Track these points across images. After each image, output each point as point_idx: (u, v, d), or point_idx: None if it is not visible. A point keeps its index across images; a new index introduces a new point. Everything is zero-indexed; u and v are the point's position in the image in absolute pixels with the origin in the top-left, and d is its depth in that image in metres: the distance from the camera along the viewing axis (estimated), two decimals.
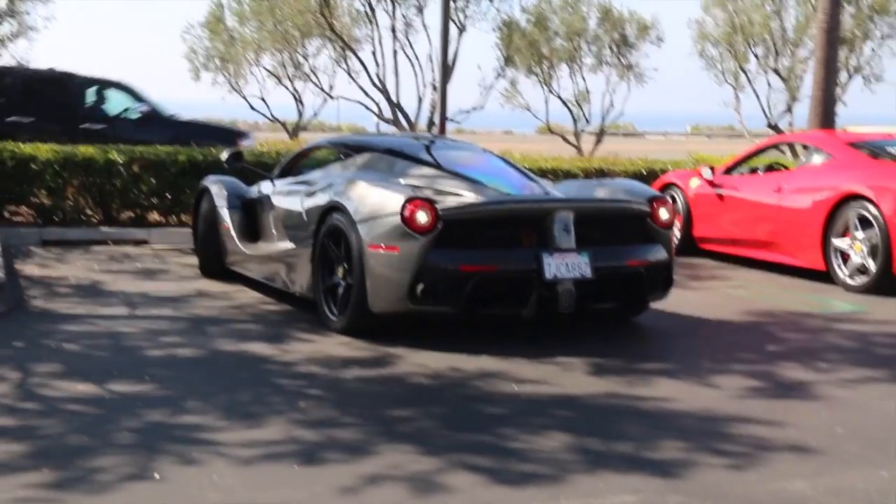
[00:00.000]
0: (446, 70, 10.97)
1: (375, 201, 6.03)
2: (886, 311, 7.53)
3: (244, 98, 30.34)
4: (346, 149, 7.65)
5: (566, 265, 5.94)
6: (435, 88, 24.51)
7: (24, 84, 13.87)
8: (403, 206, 5.82)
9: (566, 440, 4.24)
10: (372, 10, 25.91)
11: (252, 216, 8.02)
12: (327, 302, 6.38)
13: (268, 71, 29.86)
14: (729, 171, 10.42)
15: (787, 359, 5.89)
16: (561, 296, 5.91)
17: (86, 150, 10.55)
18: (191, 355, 5.68)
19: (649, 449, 4.14)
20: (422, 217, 5.80)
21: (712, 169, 10.38)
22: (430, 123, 25.44)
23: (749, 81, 28.20)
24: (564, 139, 29.18)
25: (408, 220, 5.80)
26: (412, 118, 26.08)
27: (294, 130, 30.67)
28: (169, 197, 10.73)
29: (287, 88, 30.05)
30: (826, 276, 8.71)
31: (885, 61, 27.55)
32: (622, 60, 29.29)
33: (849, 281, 8.49)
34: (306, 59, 29.17)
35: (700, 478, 3.83)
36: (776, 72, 27.43)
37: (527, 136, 46.82)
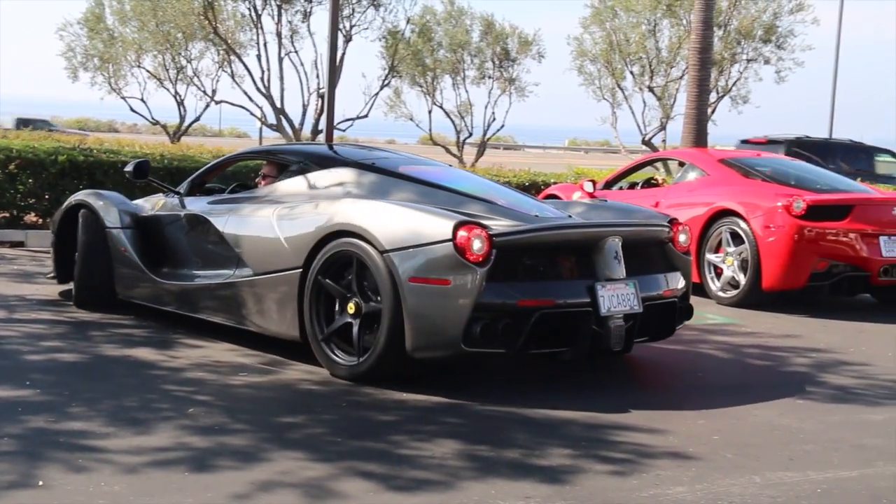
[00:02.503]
0: (334, 76, 10.97)
1: (412, 226, 5.19)
2: (757, 323, 7.86)
3: (124, 99, 29.69)
4: (298, 160, 6.58)
5: (617, 297, 5.39)
6: (320, 96, 24.47)
7: (828, 152, 17.02)
8: (455, 232, 5.05)
9: (456, 447, 4.32)
10: (257, 14, 25.74)
11: (157, 238, 6.89)
12: (329, 343, 5.50)
13: (149, 72, 29.30)
14: (609, 185, 10.71)
15: (666, 368, 6.10)
16: (613, 332, 5.36)
17: None
18: (73, 360, 5.55)
19: (537, 456, 4.24)
20: (477, 244, 5.01)
21: (594, 183, 10.64)
22: (316, 130, 25.38)
23: (625, 98, 29.05)
24: (447, 150, 29.45)
25: (462, 249, 5.01)
26: (296, 125, 25.95)
27: (175, 134, 30.16)
28: (47, 198, 10.43)
29: (169, 91, 29.56)
30: (700, 289, 9.03)
31: (751, 83, 28.78)
32: (504, 74, 29.73)
33: (721, 294, 8.82)
34: (189, 62, 28.76)
35: (586, 483, 3.94)
36: (651, 90, 28.29)
37: (409, 147, 47.07)
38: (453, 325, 5.04)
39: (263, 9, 25.54)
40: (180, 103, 29.96)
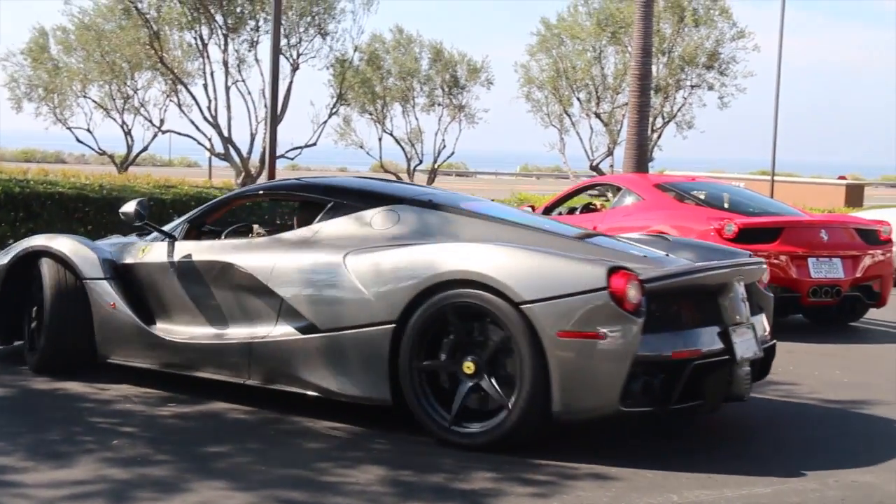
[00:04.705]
0: (275, 108, 11.01)
1: (553, 274, 4.65)
2: None
3: (70, 130, 29.50)
4: (334, 197, 5.71)
5: (745, 342, 5.01)
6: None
7: None
8: (609, 279, 4.57)
9: (380, 473, 4.34)
10: (204, 43, 25.71)
11: (153, 289, 5.91)
12: (433, 407, 4.86)
13: (95, 102, 29.13)
14: (548, 210, 10.81)
15: None
16: (742, 380, 4.96)
17: None
18: None
19: (461, 480, 4.28)
20: (632, 292, 4.53)
21: (533, 208, 10.76)
22: (264, 159, 25.36)
23: (573, 124, 29.38)
24: (397, 177, 29.55)
25: (619, 298, 4.52)
26: (244, 154, 25.92)
27: (123, 164, 29.99)
28: None
29: (115, 121, 29.41)
30: None
31: (695, 109, 29.32)
32: (453, 101, 29.94)
33: None
34: (136, 92, 28.64)
35: None
36: (598, 116, 28.64)
37: (361, 174, 47.16)
38: (611, 383, 4.55)
39: (210, 38, 25.54)
40: (127, 133, 29.82)
